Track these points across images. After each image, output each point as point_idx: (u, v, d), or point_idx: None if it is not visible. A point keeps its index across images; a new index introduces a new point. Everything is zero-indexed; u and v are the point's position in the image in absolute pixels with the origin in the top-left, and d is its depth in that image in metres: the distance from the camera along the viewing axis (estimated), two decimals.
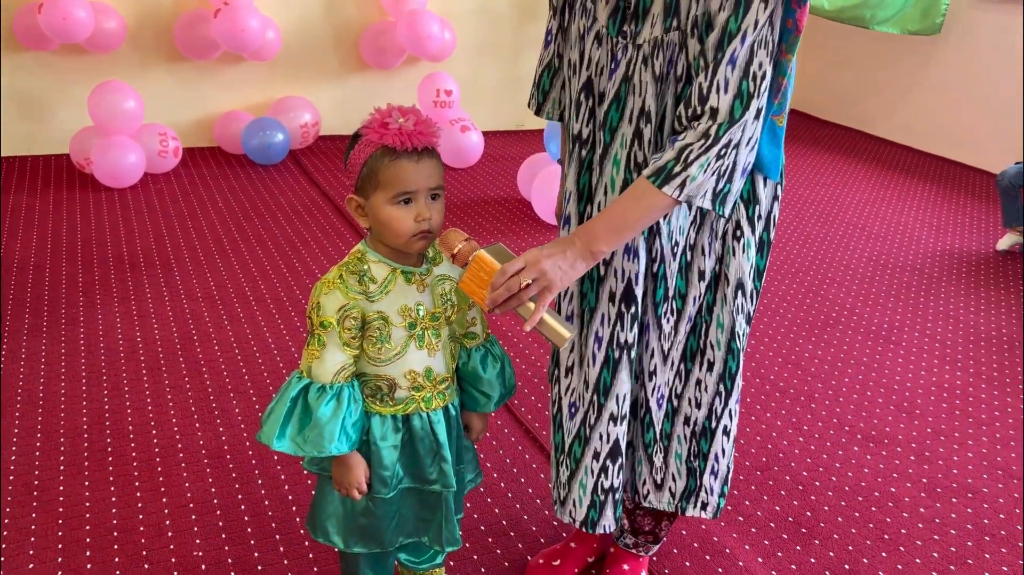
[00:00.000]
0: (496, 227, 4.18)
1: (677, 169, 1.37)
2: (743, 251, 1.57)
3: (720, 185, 1.39)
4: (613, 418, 1.64)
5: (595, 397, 1.64)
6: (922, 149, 5.79)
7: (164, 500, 2.15)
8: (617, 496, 1.71)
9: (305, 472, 2.26)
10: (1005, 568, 2.06)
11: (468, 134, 4.97)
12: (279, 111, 5.04)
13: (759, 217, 1.56)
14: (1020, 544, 2.14)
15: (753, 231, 1.56)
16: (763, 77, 1.36)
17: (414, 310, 1.48)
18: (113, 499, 2.14)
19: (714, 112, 1.36)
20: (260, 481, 2.24)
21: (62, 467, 2.25)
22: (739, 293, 1.59)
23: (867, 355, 3.08)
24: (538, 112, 1.72)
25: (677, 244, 1.56)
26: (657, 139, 1.47)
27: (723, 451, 1.70)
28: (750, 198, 1.54)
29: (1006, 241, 4.20)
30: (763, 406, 2.72)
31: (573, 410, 1.69)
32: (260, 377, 2.74)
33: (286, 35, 5.10)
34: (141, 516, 2.09)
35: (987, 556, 2.10)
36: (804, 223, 4.47)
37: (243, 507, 2.14)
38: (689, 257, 1.58)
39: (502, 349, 1.64)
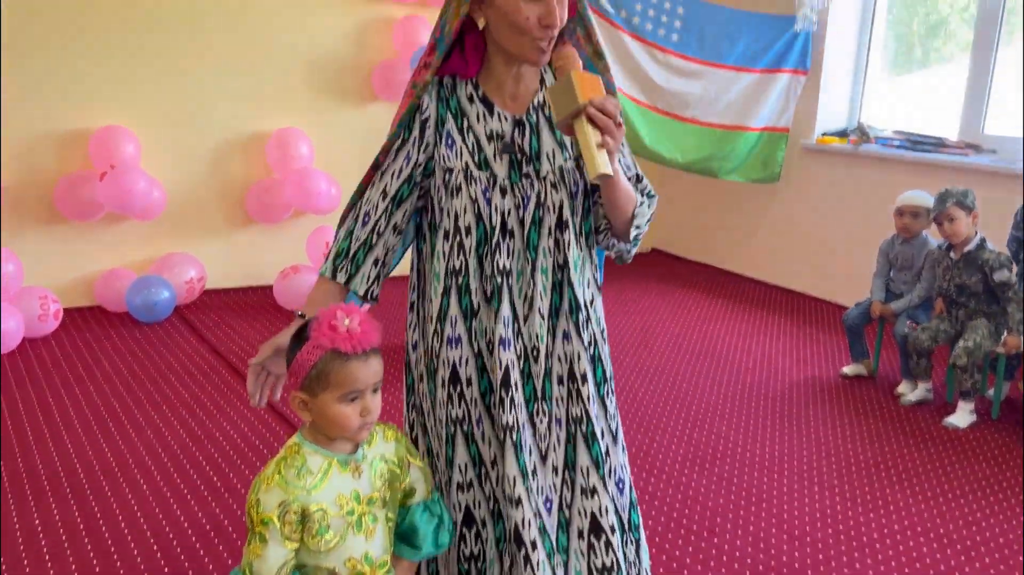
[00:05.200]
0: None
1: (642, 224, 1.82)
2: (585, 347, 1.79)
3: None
4: (460, 487, 1.78)
5: (447, 469, 1.79)
6: (771, 282, 6.37)
7: None
8: (479, 566, 1.80)
9: None
10: None
11: None
12: (163, 268, 5.02)
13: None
14: None
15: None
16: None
17: (351, 499, 1.57)
18: None
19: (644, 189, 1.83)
20: None
21: None
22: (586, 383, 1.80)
23: (755, 487, 3.33)
24: (347, 283, 1.78)
25: (536, 349, 1.74)
26: (577, 240, 1.75)
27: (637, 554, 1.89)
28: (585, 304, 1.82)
29: (851, 369, 4.64)
30: (671, 544, 2.88)
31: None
32: (176, 560, 2.67)
33: (171, 194, 5.13)
34: None
35: None
36: (679, 359, 4.80)
37: None
38: (549, 363, 1.76)
39: (443, 507, 1.73)
